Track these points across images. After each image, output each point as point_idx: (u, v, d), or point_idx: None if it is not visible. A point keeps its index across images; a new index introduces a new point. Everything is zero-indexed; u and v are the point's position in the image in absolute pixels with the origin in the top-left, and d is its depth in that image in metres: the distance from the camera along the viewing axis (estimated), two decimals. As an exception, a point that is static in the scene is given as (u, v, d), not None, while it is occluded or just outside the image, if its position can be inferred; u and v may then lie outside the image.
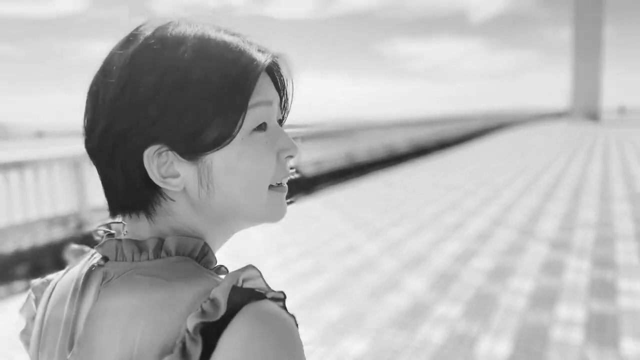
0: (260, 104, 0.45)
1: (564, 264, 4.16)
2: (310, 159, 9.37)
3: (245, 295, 0.40)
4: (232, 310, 0.39)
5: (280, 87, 0.49)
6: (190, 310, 0.39)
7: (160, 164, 0.43)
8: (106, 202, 0.48)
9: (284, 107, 0.51)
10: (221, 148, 0.43)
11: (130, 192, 0.44)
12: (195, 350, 0.37)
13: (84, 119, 0.45)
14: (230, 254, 4.75)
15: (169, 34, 0.44)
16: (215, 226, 0.47)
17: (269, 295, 0.41)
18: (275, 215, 0.48)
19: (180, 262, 0.43)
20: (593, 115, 39.73)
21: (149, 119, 0.42)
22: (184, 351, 0.37)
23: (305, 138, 9.54)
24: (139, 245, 0.44)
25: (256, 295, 0.40)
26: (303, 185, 8.75)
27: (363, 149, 11.60)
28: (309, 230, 5.68)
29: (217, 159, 0.44)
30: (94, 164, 0.45)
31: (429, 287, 3.71)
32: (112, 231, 0.50)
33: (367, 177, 10.20)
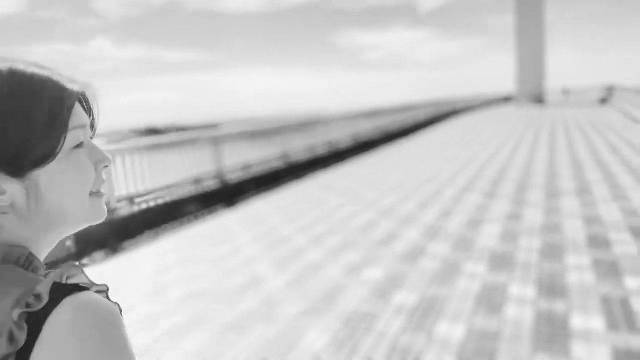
0: (77, 127, 0.54)
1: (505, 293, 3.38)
2: (236, 163, 8.36)
3: (68, 289, 0.48)
4: (56, 302, 0.45)
5: (88, 111, 0.58)
6: (16, 306, 0.45)
7: None
8: None
9: (93, 126, 0.60)
10: (46, 165, 0.51)
11: None
12: (21, 336, 0.44)
13: None
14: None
15: None
16: (43, 234, 0.54)
17: (93, 289, 0.50)
18: (96, 217, 0.57)
19: (7, 270, 0.50)
20: (538, 98, 40.52)
21: None
22: (11, 337, 0.44)
23: (233, 138, 8.51)
24: None
25: (78, 288, 0.48)
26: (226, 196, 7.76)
27: (300, 147, 10.68)
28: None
29: (43, 175, 0.51)
30: None
31: (364, 299, 2.83)
32: None
33: (303, 179, 9.28)
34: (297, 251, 4.70)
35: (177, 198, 6.98)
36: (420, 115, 22.05)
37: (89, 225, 0.58)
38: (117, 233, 5.87)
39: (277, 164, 9.54)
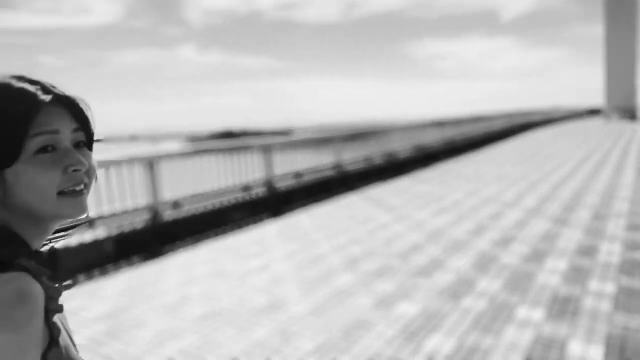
0: (42, 133, 0.61)
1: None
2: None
3: (3, 266, 0.57)
4: None
5: (77, 118, 0.66)
6: None
7: None
8: None
9: (84, 131, 0.66)
10: (10, 166, 0.60)
11: None
12: None
13: None
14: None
15: None
16: (25, 223, 0.63)
17: (32, 270, 0.58)
18: (67, 214, 0.64)
19: None
20: (630, 113, 36.92)
21: None
22: None
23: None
24: None
25: (14, 268, 0.57)
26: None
27: (355, 157, 10.29)
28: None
29: (8, 173, 0.60)
30: None
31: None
32: None
33: (355, 191, 8.88)
34: (328, 273, 4.32)
35: (223, 205, 6.87)
36: (491, 127, 20.76)
37: (67, 220, 0.66)
38: (159, 237, 5.83)
39: (328, 174, 9.22)
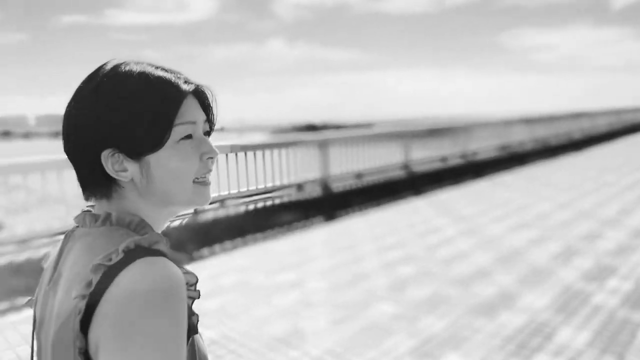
0: (185, 123, 0.64)
1: None
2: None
3: (145, 251, 0.57)
4: (130, 261, 0.55)
5: (207, 109, 0.69)
6: (101, 259, 0.56)
7: (113, 162, 0.63)
8: (80, 190, 0.67)
9: (211, 121, 0.70)
10: (155, 152, 0.63)
11: (95, 181, 0.65)
12: (94, 282, 0.55)
13: (62, 131, 0.65)
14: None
15: (121, 71, 0.63)
16: (156, 208, 0.67)
17: (169, 255, 0.59)
18: (198, 202, 0.67)
19: (117, 230, 0.63)
20: None
21: (105, 131, 0.62)
22: (89, 282, 0.55)
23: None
24: (95, 217, 0.65)
25: (154, 252, 0.58)
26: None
27: (427, 156, 9.32)
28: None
29: (153, 159, 0.63)
30: (71, 162, 0.66)
31: None
32: (92, 210, 0.68)
33: (424, 194, 7.98)
34: (367, 300, 3.61)
35: (270, 204, 6.38)
36: (594, 126, 18.32)
37: (194, 207, 0.68)
38: (198, 238, 5.47)
39: (394, 175, 8.39)
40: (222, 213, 5.88)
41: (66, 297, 0.58)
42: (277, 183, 6.59)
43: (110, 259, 0.55)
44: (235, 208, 6.06)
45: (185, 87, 0.64)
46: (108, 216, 0.64)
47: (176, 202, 0.66)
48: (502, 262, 4.36)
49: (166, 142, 0.63)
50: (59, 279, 0.63)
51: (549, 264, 4.28)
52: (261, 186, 6.45)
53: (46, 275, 0.68)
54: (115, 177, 0.63)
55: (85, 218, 0.66)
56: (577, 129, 16.62)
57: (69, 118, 0.64)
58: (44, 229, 4.34)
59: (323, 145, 7.14)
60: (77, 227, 0.67)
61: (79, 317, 0.54)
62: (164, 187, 0.64)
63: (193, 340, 0.61)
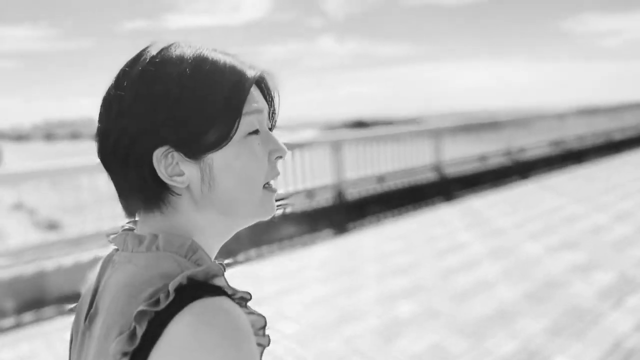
0: (253, 112, 0.53)
1: None
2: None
3: (201, 291, 0.45)
4: (182, 305, 0.43)
5: (268, 99, 0.57)
6: (145, 301, 0.44)
7: (167, 164, 0.50)
8: (121, 205, 0.55)
9: (272, 115, 0.57)
10: (220, 148, 0.51)
11: (143, 191, 0.51)
12: (139, 334, 0.43)
13: (97, 128, 0.53)
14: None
15: (172, 54, 0.52)
16: (216, 223, 0.54)
17: (230, 292, 0.47)
18: (267, 213, 0.55)
19: (165, 257, 0.50)
20: None
21: (157, 124, 0.49)
22: (133, 334, 0.43)
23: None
24: (139, 240, 0.52)
25: (213, 291, 0.45)
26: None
27: (463, 156, 8.27)
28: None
29: (217, 158, 0.51)
30: (107, 169, 0.53)
31: None
32: (134, 227, 0.56)
33: (456, 200, 7.00)
34: (352, 351, 2.81)
35: (297, 210, 5.68)
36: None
37: (258, 220, 0.56)
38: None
39: (422, 177, 7.42)
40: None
41: (104, 346, 0.46)
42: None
43: (158, 302, 0.44)
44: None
45: (251, 72, 0.53)
46: (154, 239, 0.51)
47: (241, 214, 0.54)
48: (532, 296, 3.39)
49: (234, 136, 0.51)
50: (95, 317, 0.52)
51: (596, 304, 3.27)
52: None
53: (83, 308, 0.56)
54: (170, 182, 0.51)
55: (127, 240, 0.54)
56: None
57: (108, 110, 0.52)
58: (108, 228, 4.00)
59: (337, 146, 6.34)
60: (117, 249, 0.55)
61: None
62: (229, 195, 0.52)
63: None
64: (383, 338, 2.96)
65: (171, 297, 0.43)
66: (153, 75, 0.50)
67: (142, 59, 0.52)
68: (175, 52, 0.52)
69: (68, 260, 4.06)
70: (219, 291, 0.46)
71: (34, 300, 3.81)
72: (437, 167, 7.74)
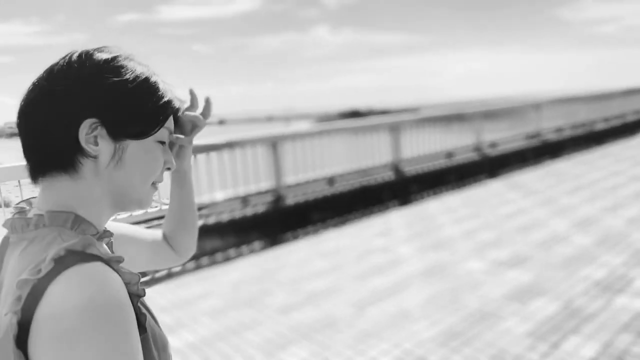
0: (167, 128, 0.67)
1: None
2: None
3: (76, 258, 0.52)
4: (58, 272, 0.50)
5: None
6: (29, 271, 0.52)
7: (89, 132, 0.59)
8: (29, 166, 0.63)
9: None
10: (137, 139, 0.63)
11: (61, 149, 0.60)
12: (22, 298, 0.50)
13: (26, 100, 0.62)
14: None
15: (135, 59, 0.65)
16: (107, 199, 0.64)
17: (106, 258, 0.54)
18: (146, 204, 0.67)
19: (50, 232, 0.58)
20: None
21: (100, 100, 0.60)
22: (18, 299, 0.50)
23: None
24: (26, 222, 0.59)
25: (87, 257, 0.53)
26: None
27: (420, 154, 7.65)
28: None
29: (132, 145, 0.63)
30: (22, 124, 0.61)
31: None
32: (26, 207, 0.65)
33: (421, 200, 6.39)
34: None
35: (225, 219, 5.11)
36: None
37: (138, 209, 0.68)
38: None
39: (378, 178, 6.79)
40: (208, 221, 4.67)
41: (3, 312, 0.54)
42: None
43: (40, 271, 0.52)
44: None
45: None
46: (41, 218, 0.60)
47: (130, 198, 0.65)
48: (452, 338, 2.79)
49: (151, 135, 0.64)
50: (1, 290, 0.59)
51: (525, 348, 2.67)
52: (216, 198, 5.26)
53: None
54: (85, 146, 0.60)
55: (15, 224, 0.61)
56: (629, 110, 14.04)
57: (52, 81, 0.61)
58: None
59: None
60: (6, 234, 0.64)
61: (12, 335, 0.49)
62: (128, 177, 0.63)
63: (143, 339, 0.56)
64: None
65: (50, 266, 0.51)
66: (119, 65, 0.62)
67: (108, 51, 0.64)
68: (136, 59, 0.65)
69: None
70: (94, 258, 0.53)
71: None
72: (394, 166, 7.12)
